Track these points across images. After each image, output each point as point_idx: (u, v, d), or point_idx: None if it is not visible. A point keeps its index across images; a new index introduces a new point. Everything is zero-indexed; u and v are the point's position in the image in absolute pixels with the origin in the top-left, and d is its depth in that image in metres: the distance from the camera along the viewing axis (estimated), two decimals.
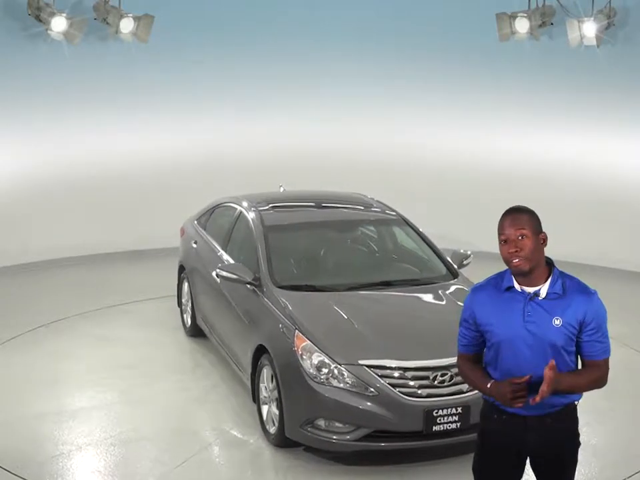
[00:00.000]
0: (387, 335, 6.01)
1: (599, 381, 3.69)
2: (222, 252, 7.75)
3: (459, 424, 5.59)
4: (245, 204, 7.86)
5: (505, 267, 3.73)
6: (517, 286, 3.67)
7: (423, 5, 11.55)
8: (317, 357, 5.74)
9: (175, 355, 8.10)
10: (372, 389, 5.57)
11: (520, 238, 3.56)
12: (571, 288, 3.65)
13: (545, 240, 3.63)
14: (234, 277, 6.78)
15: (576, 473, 3.85)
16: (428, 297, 6.65)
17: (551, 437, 3.70)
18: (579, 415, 3.83)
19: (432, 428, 5.56)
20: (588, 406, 6.38)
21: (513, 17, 10.70)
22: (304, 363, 5.75)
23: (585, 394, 3.79)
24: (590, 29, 10.37)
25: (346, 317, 6.17)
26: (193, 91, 11.74)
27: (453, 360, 5.40)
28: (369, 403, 5.56)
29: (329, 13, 11.74)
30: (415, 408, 5.54)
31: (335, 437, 5.67)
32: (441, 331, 6.03)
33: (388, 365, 5.66)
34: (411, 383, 5.60)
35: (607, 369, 3.69)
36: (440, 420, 5.55)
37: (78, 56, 10.63)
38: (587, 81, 11.09)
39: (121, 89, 11.30)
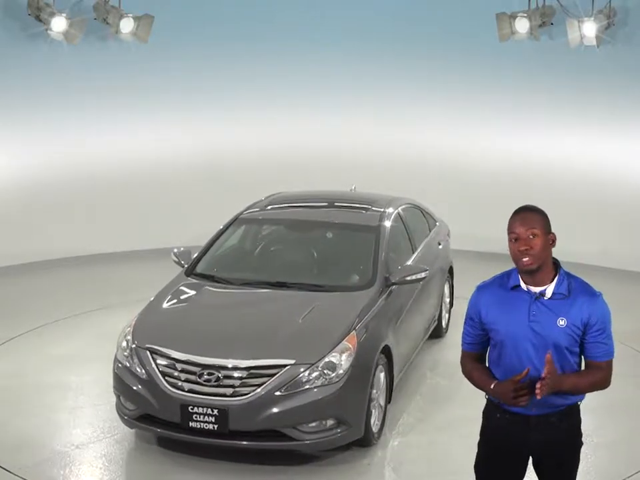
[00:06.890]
0: (200, 327, 6.13)
1: (602, 383, 3.69)
2: None
3: (215, 426, 5.57)
4: (267, 198, 7.97)
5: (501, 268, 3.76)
6: (523, 285, 3.68)
7: (422, 5, 11.54)
8: (126, 337, 6.07)
9: None
10: (144, 373, 5.78)
11: (531, 237, 3.58)
12: (576, 289, 3.67)
13: (553, 241, 3.65)
14: (176, 260, 7.12)
15: (577, 472, 3.85)
16: (295, 303, 6.41)
17: (555, 436, 3.71)
18: (581, 414, 3.83)
19: (188, 423, 5.62)
20: (588, 406, 6.39)
21: (513, 16, 10.69)
22: (122, 342, 6.07)
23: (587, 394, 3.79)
24: (590, 28, 10.36)
25: (188, 306, 6.49)
26: (192, 91, 11.72)
27: (225, 362, 5.66)
28: (139, 386, 5.79)
29: (329, 13, 11.74)
30: (172, 399, 5.65)
31: (124, 414, 5.95)
32: (253, 334, 5.99)
33: (163, 353, 5.81)
34: (180, 376, 5.70)
35: (610, 370, 3.68)
36: (196, 417, 5.59)
37: (78, 56, 10.63)
38: (586, 80, 11.08)
39: (121, 88, 11.30)
